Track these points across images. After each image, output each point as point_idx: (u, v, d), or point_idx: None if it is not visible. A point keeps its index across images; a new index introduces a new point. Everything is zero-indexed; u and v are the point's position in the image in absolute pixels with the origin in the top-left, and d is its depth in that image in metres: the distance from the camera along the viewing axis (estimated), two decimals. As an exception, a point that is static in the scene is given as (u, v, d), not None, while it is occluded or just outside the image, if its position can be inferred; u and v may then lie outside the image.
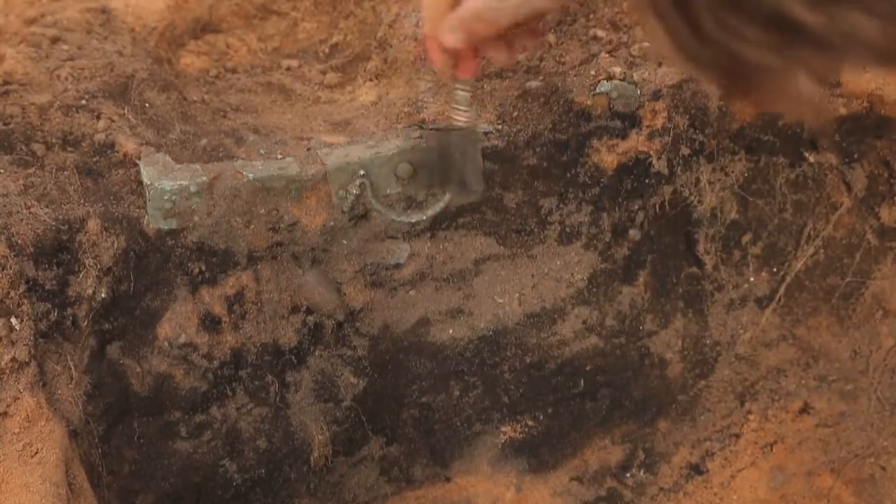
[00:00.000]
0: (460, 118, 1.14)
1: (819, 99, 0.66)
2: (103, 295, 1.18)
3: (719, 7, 0.61)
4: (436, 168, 1.19)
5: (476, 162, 1.18)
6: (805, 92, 0.64)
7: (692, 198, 1.36)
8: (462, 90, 1.12)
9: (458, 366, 1.37)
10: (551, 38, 1.38)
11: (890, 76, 1.28)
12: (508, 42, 1.06)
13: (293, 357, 1.30)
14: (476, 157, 1.18)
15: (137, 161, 1.22)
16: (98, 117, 1.27)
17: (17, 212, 1.14)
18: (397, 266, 1.30)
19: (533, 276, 1.36)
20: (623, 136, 1.31)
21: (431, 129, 1.28)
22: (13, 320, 1.07)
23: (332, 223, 1.25)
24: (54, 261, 1.15)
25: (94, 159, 1.23)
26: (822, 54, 0.61)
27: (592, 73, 1.31)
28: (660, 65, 1.32)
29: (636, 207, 1.36)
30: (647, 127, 1.30)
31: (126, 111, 1.29)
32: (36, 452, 1.05)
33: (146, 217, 1.19)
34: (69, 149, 1.24)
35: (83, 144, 1.25)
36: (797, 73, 0.63)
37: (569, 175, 1.32)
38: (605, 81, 1.29)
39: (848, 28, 0.60)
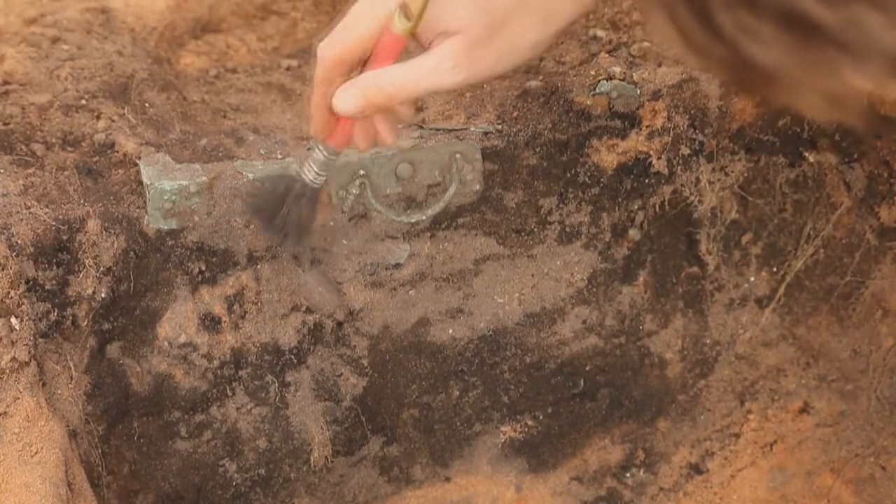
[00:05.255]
0: (309, 175, 1.12)
1: (854, 97, 0.63)
2: (103, 295, 1.18)
3: (734, 3, 0.59)
4: (267, 206, 1.16)
5: (306, 222, 1.15)
6: (839, 90, 0.62)
7: (692, 198, 1.36)
8: (323, 154, 1.10)
9: (458, 366, 1.37)
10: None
11: None
12: (389, 122, 1.08)
13: (293, 357, 1.30)
14: (308, 217, 1.15)
15: (137, 161, 1.22)
16: (98, 117, 1.27)
17: (17, 212, 1.14)
18: (397, 266, 1.30)
19: (533, 275, 1.36)
20: (623, 136, 1.31)
21: (432, 130, 1.28)
22: (13, 320, 1.07)
23: (331, 223, 1.25)
24: (54, 261, 1.15)
25: (94, 159, 1.23)
26: (841, 55, 0.59)
27: (592, 73, 1.31)
28: (660, 65, 1.32)
29: (636, 207, 1.36)
30: (647, 127, 1.30)
31: (126, 111, 1.29)
32: (36, 452, 1.05)
33: (146, 217, 1.19)
34: (69, 149, 1.24)
35: (83, 144, 1.25)
36: (828, 73, 0.60)
37: (569, 175, 1.32)
38: (605, 81, 1.29)
39: (861, 27, 0.57)
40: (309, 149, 1.15)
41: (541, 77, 1.33)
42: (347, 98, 1.03)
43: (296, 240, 1.17)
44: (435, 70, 1.01)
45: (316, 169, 1.11)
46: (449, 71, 1.01)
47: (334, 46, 1.04)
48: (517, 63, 1.04)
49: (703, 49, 0.62)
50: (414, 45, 1.05)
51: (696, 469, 1.49)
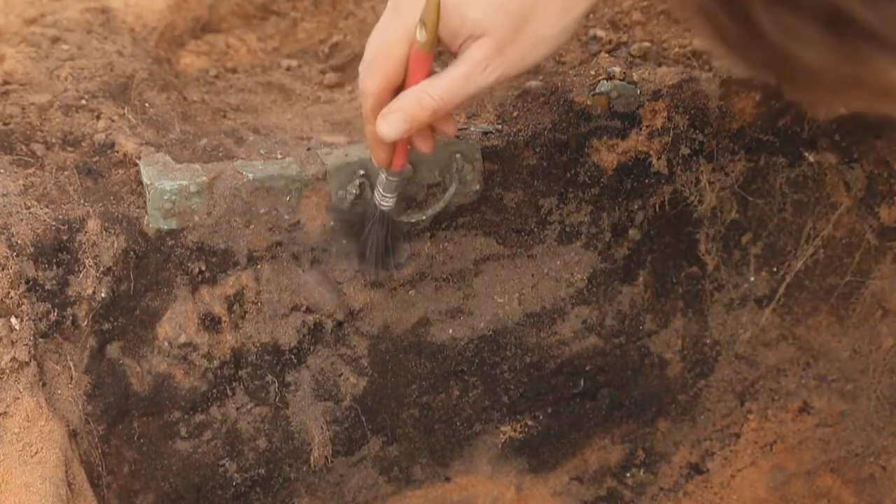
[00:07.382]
0: (385, 204, 1.17)
1: None
2: (103, 295, 1.18)
3: (774, 3, 0.58)
4: (348, 233, 1.22)
5: (389, 242, 1.21)
6: (886, 84, 0.60)
7: (692, 198, 1.36)
8: (390, 178, 1.15)
9: (458, 366, 1.37)
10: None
11: None
12: (433, 129, 1.11)
13: (293, 357, 1.30)
14: (390, 238, 1.21)
15: (137, 161, 1.22)
16: (98, 117, 1.27)
17: (17, 212, 1.14)
18: (397, 266, 1.30)
19: (533, 275, 1.36)
20: (623, 135, 1.31)
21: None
22: (13, 320, 1.07)
23: (332, 223, 1.25)
24: (54, 261, 1.15)
25: (94, 159, 1.23)
26: (884, 54, 0.57)
27: (592, 72, 1.31)
28: (660, 65, 1.32)
29: (636, 207, 1.36)
30: (647, 127, 1.30)
31: (126, 111, 1.29)
32: (36, 452, 1.05)
33: (146, 217, 1.19)
34: (69, 149, 1.24)
35: (83, 144, 1.25)
36: (871, 71, 0.59)
37: (569, 175, 1.32)
38: (605, 81, 1.29)
39: None
40: (364, 174, 1.22)
41: (541, 77, 1.33)
42: (391, 123, 1.06)
43: (382, 261, 1.22)
44: (470, 75, 1.04)
45: (389, 195, 1.16)
46: (483, 73, 1.04)
47: (376, 78, 1.06)
48: (547, 53, 1.07)
49: (743, 50, 0.61)
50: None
51: (696, 469, 1.49)
